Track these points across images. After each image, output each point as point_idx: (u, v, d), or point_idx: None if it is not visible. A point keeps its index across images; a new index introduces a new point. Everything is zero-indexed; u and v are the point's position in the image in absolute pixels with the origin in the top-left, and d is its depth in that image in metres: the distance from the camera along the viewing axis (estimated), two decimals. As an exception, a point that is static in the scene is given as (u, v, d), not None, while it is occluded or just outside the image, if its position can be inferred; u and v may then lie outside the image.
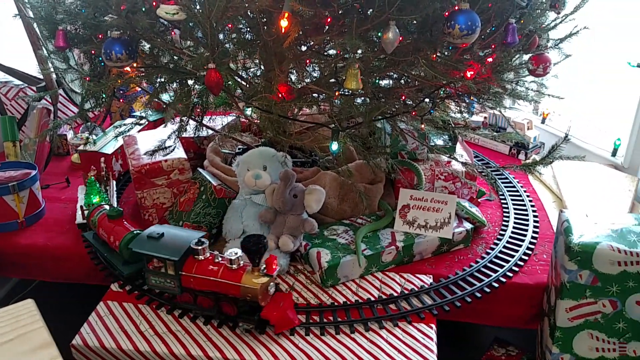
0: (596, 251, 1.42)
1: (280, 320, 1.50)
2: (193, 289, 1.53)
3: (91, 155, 2.20)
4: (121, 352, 1.48)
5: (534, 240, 1.90)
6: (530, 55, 1.69)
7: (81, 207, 1.96)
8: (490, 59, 1.56)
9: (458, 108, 1.93)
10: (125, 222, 1.77)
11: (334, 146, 1.60)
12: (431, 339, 1.50)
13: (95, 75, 1.78)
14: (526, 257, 1.81)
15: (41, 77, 2.42)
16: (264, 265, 1.46)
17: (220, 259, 1.51)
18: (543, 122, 2.70)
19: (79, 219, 1.98)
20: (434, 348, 1.47)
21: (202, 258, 1.51)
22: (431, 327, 1.54)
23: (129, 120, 2.13)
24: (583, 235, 1.46)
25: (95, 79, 1.77)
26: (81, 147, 2.24)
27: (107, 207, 1.85)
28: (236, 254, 1.48)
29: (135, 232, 1.71)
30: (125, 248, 1.68)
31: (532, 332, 1.79)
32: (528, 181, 2.36)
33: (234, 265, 1.47)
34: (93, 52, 1.72)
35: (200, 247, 1.50)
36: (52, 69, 2.24)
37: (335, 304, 1.62)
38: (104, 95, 1.86)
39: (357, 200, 1.92)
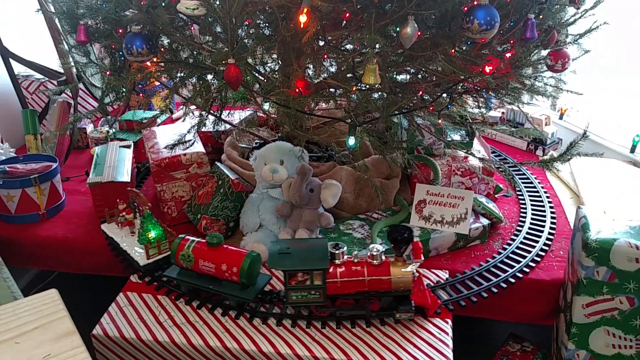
0: (614, 248, 1.41)
1: (433, 303, 1.54)
2: (337, 295, 1.49)
3: (107, 187, 1.98)
4: (140, 342, 1.51)
5: (551, 237, 1.89)
6: (549, 50, 1.68)
7: (145, 245, 1.72)
8: (509, 54, 1.56)
9: (476, 103, 1.92)
10: (228, 247, 1.59)
11: (351, 141, 1.61)
12: (447, 333, 1.51)
13: (116, 69, 1.80)
14: (543, 253, 1.80)
15: (62, 71, 2.45)
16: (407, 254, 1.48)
17: (357, 259, 1.49)
18: (561, 118, 2.68)
19: (143, 260, 1.71)
20: (450, 343, 1.48)
21: (340, 262, 1.48)
22: (447, 322, 1.55)
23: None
24: (600, 231, 1.45)
25: (116, 73, 1.79)
26: (91, 181, 1.97)
27: (191, 237, 1.62)
28: (377, 250, 1.47)
29: (253, 253, 1.55)
30: (247, 272, 1.52)
31: (548, 328, 1.78)
32: (545, 177, 2.34)
33: (376, 261, 1.47)
34: (113, 46, 1.74)
35: (339, 251, 1.48)
36: (72, 63, 2.26)
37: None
38: (124, 90, 1.89)
39: (373, 195, 1.93)
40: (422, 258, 1.48)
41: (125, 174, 2.04)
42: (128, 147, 2.26)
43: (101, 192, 1.99)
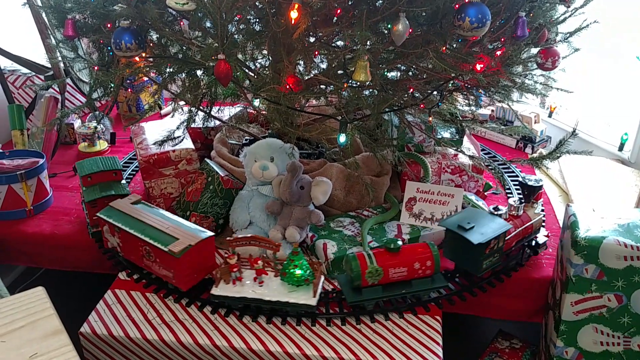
0: (602, 246, 1.42)
1: None
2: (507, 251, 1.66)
3: (196, 250, 1.56)
4: (129, 340, 1.50)
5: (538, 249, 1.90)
6: (539, 48, 1.68)
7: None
8: (499, 52, 1.56)
9: (466, 101, 1.93)
10: (404, 246, 1.57)
11: (342, 138, 1.60)
12: (437, 331, 1.51)
13: (104, 64, 1.78)
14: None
15: (49, 65, 2.42)
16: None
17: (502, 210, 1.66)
18: (550, 115, 2.69)
19: (311, 299, 1.52)
20: (440, 340, 1.48)
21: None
22: (437, 319, 1.55)
23: None
24: (589, 229, 1.46)
25: (104, 68, 1.77)
26: (178, 249, 1.52)
27: (357, 253, 1.53)
28: (515, 200, 1.69)
29: (432, 242, 1.58)
30: (439, 261, 1.55)
31: (537, 326, 1.79)
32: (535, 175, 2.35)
33: (518, 212, 1.68)
34: (102, 41, 1.72)
35: (499, 212, 1.64)
36: (60, 58, 2.24)
37: (342, 295, 1.62)
38: (112, 85, 1.87)
39: (364, 193, 1.93)
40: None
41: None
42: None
43: (194, 257, 1.57)
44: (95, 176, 1.82)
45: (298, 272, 1.53)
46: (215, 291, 1.55)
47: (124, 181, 1.90)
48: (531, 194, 1.96)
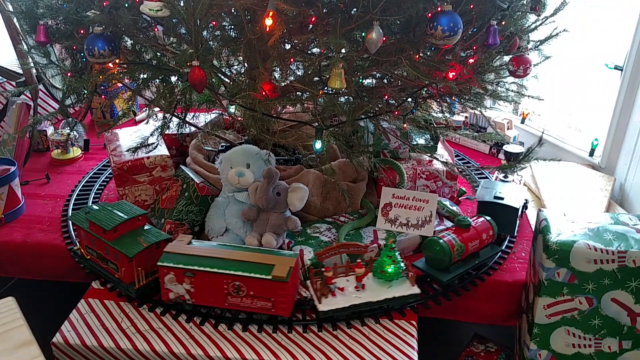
0: (573, 249, 1.44)
1: None
2: None
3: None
4: (102, 350, 1.48)
5: (513, 239, 1.93)
6: (510, 56, 1.71)
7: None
8: (471, 60, 1.59)
9: (440, 108, 1.95)
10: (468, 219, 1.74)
11: (318, 145, 1.61)
12: (412, 335, 1.52)
13: (77, 71, 1.76)
14: (505, 256, 1.83)
15: (21, 72, 2.38)
16: None
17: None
18: (523, 122, 2.74)
19: (410, 289, 1.56)
20: (415, 344, 1.49)
21: None
22: (412, 324, 1.56)
23: None
24: (561, 233, 1.49)
25: (77, 74, 1.75)
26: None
27: (440, 232, 1.68)
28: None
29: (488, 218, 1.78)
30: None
31: (511, 329, 1.82)
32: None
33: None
34: (75, 47, 1.70)
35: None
36: (32, 64, 2.20)
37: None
38: (85, 91, 1.85)
39: (340, 199, 1.94)
40: None
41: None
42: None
43: (293, 279, 1.53)
44: (121, 227, 1.58)
45: (392, 268, 1.57)
46: (321, 307, 1.51)
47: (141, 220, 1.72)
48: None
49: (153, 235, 1.61)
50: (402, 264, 1.59)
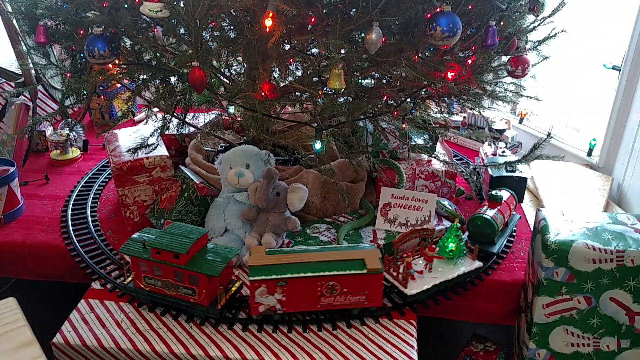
0: (572, 249, 1.45)
1: None
2: None
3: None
4: (103, 350, 1.48)
5: (512, 238, 1.94)
6: (509, 57, 1.72)
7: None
8: (470, 61, 1.59)
9: (438, 108, 1.96)
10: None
11: (317, 145, 1.61)
12: (412, 335, 1.53)
13: (76, 71, 1.76)
14: (504, 255, 1.84)
15: (20, 72, 2.38)
16: None
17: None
18: (521, 122, 2.75)
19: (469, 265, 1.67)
20: (415, 344, 1.50)
21: None
22: (412, 324, 1.57)
23: None
24: (559, 233, 1.49)
25: (76, 75, 1.75)
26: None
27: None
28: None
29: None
30: None
31: (510, 328, 1.82)
32: (506, 180, 2.39)
33: None
34: (74, 48, 1.70)
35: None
36: (31, 65, 2.20)
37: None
38: (84, 92, 1.85)
39: (339, 199, 1.94)
40: None
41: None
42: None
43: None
44: (192, 248, 1.52)
45: (457, 246, 1.69)
46: (409, 291, 1.57)
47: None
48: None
49: (223, 251, 1.56)
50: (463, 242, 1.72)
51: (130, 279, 1.60)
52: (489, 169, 2.12)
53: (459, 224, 1.70)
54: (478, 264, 1.69)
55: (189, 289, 1.51)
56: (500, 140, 2.36)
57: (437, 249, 1.69)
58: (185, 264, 1.49)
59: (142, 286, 1.57)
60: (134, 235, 1.60)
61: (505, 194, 1.92)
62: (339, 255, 1.55)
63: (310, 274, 1.48)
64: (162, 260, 1.50)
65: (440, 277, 1.62)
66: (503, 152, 2.24)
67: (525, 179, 2.10)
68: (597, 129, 2.43)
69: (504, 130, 2.32)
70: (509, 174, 2.07)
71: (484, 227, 1.78)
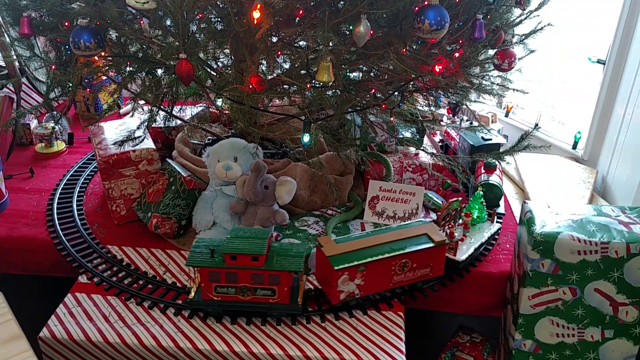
0: (557, 241, 1.47)
1: None
2: None
3: None
4: (90, 344, 1.47)
5: (485, 251, 1.94)
6: (496, 50, 1.73)
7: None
8: (457, 54, 1.60)
9: (426, 101, 1.96)
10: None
11: (306, 138, 1.61)
12: (400, 327, 1.54)
13: (62, 63, 1.74)
14: (490, 247, 1.86)
15: (3, 64, 2.35)
16: None
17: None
18: (507, 115, 2.76)
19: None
20: (403, 336, 1.51)
21: None
22: (400, 315, 1.58)
23: None
24: (545, 225, 1.51)
25: (62, 67, 1.73)
26: None
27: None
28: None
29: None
30: None
31: (496, 319, 1.84)
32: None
33: None
34: (59, 40, 1.68)
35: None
36: (15, 57, 2.17)
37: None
38: (70, 84, 1.83)
39: (328, 192, 1.94)
40: None
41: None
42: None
43: None
44: (267, 249, 1.51)
45: (481, 213, 1.85)
46: (460, 257, 1.69)
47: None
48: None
49: (291, 247, 1.55)
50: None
51: (193, 292, 1.55)
52: (468, 140, 2.23)
53: (481, 192, 1.84)
54: (497, 225, 1.87)
55: (268, 289, 1.49)
56: (458, 110, 2.44)
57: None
58: (264, 265, 1.47)
59: (213, 297, 1.51)
60: (194, 247, 1.53)
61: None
62: (403, 233, 1.61)
63: (386, 255, 1.54)
64: (238, 265, 1.47)
65: (475, 241, 1.77)
66: (467, 120, 2.39)
67: (501, 144, 2.24)
68: (582, 122, 2.45)
69: (460, 102, 2.35)
70: (486, 142, 2.20)
71: (500, 191, 2.00)
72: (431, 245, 1.58)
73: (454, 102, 2.32)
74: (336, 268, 1.48)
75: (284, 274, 1.46)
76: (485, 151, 2.15)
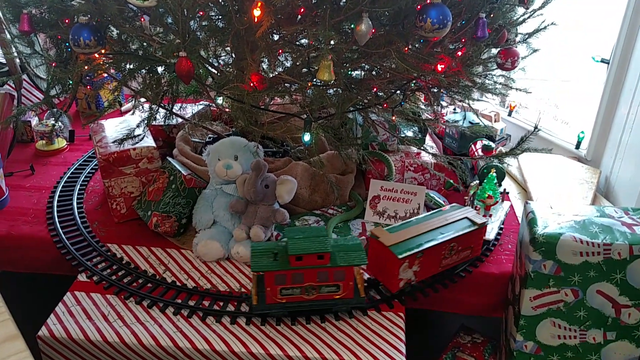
0: (559, 242, 1.46)
1: None
2: None
3: None
4: (89, 343, 1.47)
5: (500, 231, 1.94)
6: (499, 49, 1.72)
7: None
8: (460, 53, 1.59)
9: (428, 101, 1.95)
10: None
11: (307, 137, 1.60)
12: (400, 327, 1.53)
13: (62, 60, 1.74)
14: (492, 247, 1.85)
15: (4, 61, 2.34)
16: None
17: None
18: (510, 114, 2.75)
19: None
20: (403, 336, 1.50)
21: None
22: (400, 316, 1.57)
23: None
24: (547, 226, 1.50)
25: (62, 64, 1.72)
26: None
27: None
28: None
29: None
30: None
31: (498, 320, 1.83)
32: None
33: None
34: (59, 37, 1.68)
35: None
36: (15, 54, 2.17)
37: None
38: (70, 82, 1.82)
39: (329, 191, 1.93)
40: None
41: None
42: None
43: None
44: None
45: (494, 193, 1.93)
46: (488, 237, 1.81)
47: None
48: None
49: (346, 241, 1.56)
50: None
51: (256, 298, 1.53)
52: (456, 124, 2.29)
53: (494, 174, 1.92)
54: (508, 203, 2.00)
55: (333, 286, 1.50)
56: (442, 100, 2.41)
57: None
58: (329, 262, 1.47)
59: (278, 300, 1.51)
60: (253, 253, 1.51)
61: (487, 143, 2.20)
62: (448, 218, 1.69)
63: (440, 240, 1.59)
64: (305, 266, 1.47)
65: (496, 221, 1.89)
66: (454, 109, 2.43)
67: (490, 127, 2.36)
68: (585, 122, 2.43)
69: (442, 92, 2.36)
70: (475, 124, 2.31)
71: (502, 172, 2.09)
72: (475, 227, 1.66)
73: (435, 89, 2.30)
74: (400, 257, 1.52)
75: (349, 268, 1.48)
76: (475, 134, 2.23)
